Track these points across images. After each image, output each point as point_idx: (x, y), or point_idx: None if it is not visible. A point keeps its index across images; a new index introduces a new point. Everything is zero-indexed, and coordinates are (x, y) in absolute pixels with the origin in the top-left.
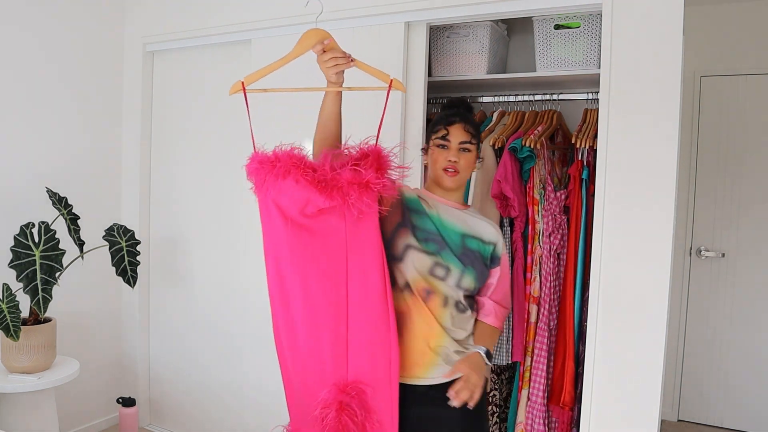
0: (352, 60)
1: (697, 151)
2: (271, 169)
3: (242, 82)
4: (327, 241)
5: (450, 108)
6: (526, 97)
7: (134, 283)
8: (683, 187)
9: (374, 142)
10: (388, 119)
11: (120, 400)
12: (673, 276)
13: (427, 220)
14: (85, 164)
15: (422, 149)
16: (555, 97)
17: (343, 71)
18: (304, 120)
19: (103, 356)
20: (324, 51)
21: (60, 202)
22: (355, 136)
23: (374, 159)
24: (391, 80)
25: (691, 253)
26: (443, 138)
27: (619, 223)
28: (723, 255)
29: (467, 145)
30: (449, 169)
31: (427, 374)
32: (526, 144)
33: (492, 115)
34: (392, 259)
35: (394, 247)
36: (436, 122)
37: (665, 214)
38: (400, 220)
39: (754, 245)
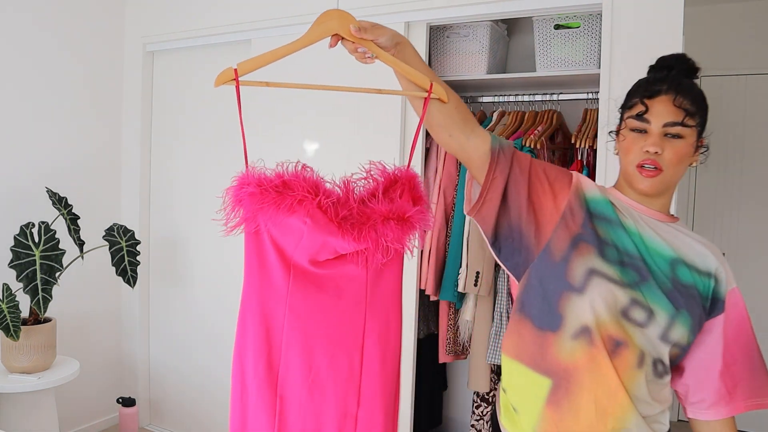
0: (369, 56)
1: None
2: (275, 200)
3: (235, 70)
4: (341, 296)
5: (658, 70)
6: (526, 97)
7: (134, 283)
8: (683, 187)
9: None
10: (387, 120)
11: (120, 400)
12: None
13: (623, 234)
14: (85, 164)
15: (612, 132)
16: (555, 97)
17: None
18: (307, 116)
19: (103, 356)
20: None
21: (60, 202)
22: (354, 140)
23: (407, 186)
24: (431, 85)
25: None
26: (639, 117)
27: None
28: (723, 255)
29: (677, 128)
30: (646, 165)
31: None
32: (526, 144)
33: (492, 115)
34: (565, 287)
35: (569, 270)
36: (632, 92)
37: None
38: (579, 230)
39: (754, 245)
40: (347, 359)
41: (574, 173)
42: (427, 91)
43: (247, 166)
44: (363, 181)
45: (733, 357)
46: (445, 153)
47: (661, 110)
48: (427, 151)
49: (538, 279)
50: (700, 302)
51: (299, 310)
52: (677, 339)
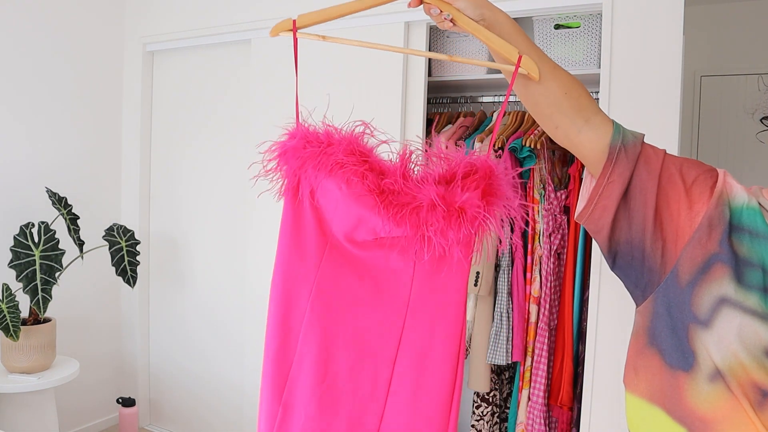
0: (446, 18)
1: (697, 151)
2: (315, 157)
3: (294, 21)
4: (379, 289)
5: None
6: None
7: (134, 283)
8: None
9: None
10: (386, 120)
11: (120, 400)
12: None
13: None
14: (85, 164)
15: (766, 118)
16: None
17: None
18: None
19: (103, 356)
20: (420, 4)
21: (60, 202)
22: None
23: (483, 177)
24: (520, 57)
25: None
26: None
27: None
28: None
29: None
30: None
31: None
32: (526, 144)
33: (492, 115)
34: (690, 319)
35: (694, 298)
36: None
37: None
38: (716, 248)
39: None
40: (372, 371)
41: (721, 172)
42: (514, 65)
43: (297, 121)
44: (431, 160)
45: None
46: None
47: None
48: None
49: (666, 307)
50: None
51: (327, 293)
52: None
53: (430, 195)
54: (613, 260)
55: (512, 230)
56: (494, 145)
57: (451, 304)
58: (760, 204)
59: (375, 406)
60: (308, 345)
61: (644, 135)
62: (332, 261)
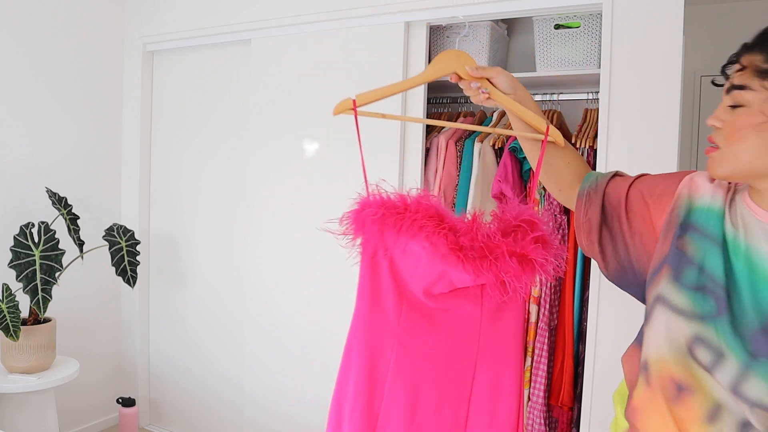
0: (483, 91)
1: (697, 151)
2: (396, 223)
3: (353, 101)
4: (452, 336)
5: None
6: None
7: (134, 283)
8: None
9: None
10: (387, 122)
11: (120, 400)
12: None
13: (715, 252)
14: (84, 164)
15: None
16: (555, 97)
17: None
18: (306, 120)
19: (103, 356)
20: (459, 80)
21: (60, 202)
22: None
23: (529, 228)
24: (548, 127)
25: None
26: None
27: None
28: None
29: (741, 94)
30: (709, 142)
31: None
32: None
33: (492, 115)
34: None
35: (647, 298)
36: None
37: None
38: (668, 249)
39: None
40: (453, 410)
41: (688, 177)
42: (543, 134)
43: (367, 190)
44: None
45: None
46: (445, 153)
47: (734, 74)
48: (427, 151)
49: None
50: None
51: (409, 346)
52: (756, 398)
53: (506, 248)
54: (617, 281)
55: None
56: (494, 145)
57: (514, 337)
58: (728, 207)
59: None
60: (397, 392)
61: (616, 171)
62: (410, 315)
